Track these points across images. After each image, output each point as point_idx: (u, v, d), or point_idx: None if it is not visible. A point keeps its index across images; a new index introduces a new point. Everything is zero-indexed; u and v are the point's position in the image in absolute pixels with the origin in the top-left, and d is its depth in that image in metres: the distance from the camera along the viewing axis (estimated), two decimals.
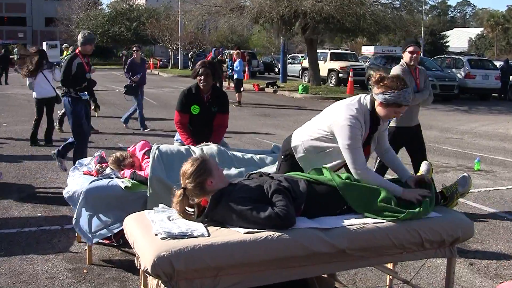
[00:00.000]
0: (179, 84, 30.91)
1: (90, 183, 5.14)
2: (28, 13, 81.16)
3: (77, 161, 6.13)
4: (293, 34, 30.10)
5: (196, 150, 5.54)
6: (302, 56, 41.75)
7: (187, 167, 3.72)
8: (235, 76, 21.26)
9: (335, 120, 4.20)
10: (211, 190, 3.67)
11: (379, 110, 4.17)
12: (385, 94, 4.07)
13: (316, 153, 4.44)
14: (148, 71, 44.36)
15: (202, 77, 6.24)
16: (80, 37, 8.41)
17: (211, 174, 3.69)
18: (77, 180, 5.40)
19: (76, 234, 5.77)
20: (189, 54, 45.64)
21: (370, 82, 4.13)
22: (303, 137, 4.54)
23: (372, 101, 4.21)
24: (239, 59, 21.39)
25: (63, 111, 12.25)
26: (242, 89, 21.46)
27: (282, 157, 4.76)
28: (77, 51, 8.58)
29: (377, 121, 4.25)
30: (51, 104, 11.65)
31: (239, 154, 5.65)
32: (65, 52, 24.36)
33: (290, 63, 42.01)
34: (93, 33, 62.28)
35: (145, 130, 13.76)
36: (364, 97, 4.27)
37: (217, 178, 3.73)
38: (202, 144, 5.87)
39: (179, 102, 6.42)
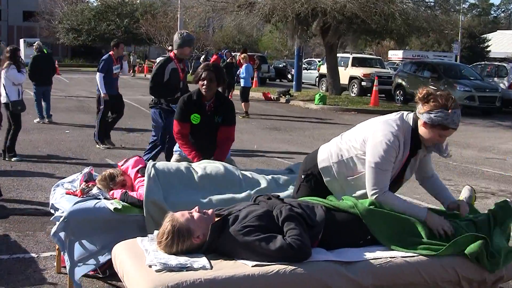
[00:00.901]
0: None
1: (74, 204, 5.15)
2: (3, 6, 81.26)
3: (60, 180, 6.14)
4: (310, 36, 30.18)
5: (198, 169, 5.55)
6: (319, 61, 41.87)
7: (163, 239, 3.74)
8: (242, 84, 21.30)
9: (370, 135, 4.22)
10: (203, 240, 3.69)
11: (422, 131, 4.18)
12: (431, 113, 4.07)
13: (350, 178, 4.45)
14: (128, 75, 44.41)
15: (205, 82, 6.28)
16: (176, 38, 8.34)
17: (192, 233, 3.72)
18: (59, 201, 5.41)
19: (55, 264, 5.78)
20: (190, 57, 45.89)
21: (415, 98, 4.13)
22: (332, 157, 4.53)
23: (416, 120, 4.21)
24: (246, 64, 21.43)
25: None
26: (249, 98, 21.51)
27: (303, 177, 4.75)
28: (171, 54, 8.48)
29: (418, 144, 4.26)
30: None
31: (247, 173, 5.65)
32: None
33: (306, 68, 42.11)
34: (78, 30, 62.15)
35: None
36: (407, 115, 4.29)
37: (201, 228, 3.74)
38: (204, 161, 5.88)
39: (178, 110, 6.47)
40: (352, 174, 4.40)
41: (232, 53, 27.76)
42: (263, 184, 5.51)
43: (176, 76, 8.43)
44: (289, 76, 46.62)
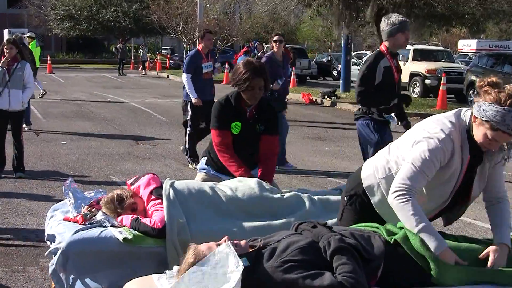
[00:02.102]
0: None
1: (74, 233, 5.18)
2: None
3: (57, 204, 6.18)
4: (361, 24, 30.10)
5: (226, 189, 5.56)
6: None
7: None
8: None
9: (419, 135, 4.24)
10: None
11: (474, 128, 4.18)
12: (482, 105, 4.07)
13: None
14: (140, 72, 44.30)
15: (255, 91, 6.28)
16: (384, 24, 7.90)
17: None
18: (56, 229, 5.44)
19: None
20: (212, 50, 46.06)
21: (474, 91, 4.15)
22: (379, 171, 4.53)
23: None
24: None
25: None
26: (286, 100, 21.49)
27: (346, 199, 4.78)
28: (382, 48, 8.13)
29: (478, 146, 4.23)
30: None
31: (287, 195, 5.65)
32: (31, 45, 24.59)
33: (356, 64, 41.99)
34: (77, 18, 62.66)
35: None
36: (465, 111, 4.28)
37: None
38: (234, 179, 5.90)
39: (215, 116, 6.48)
40: None
41: (264, 45, 27.77)
42: (306, 208, 5.51)
43: (391, 76, 8.04)
44: (335, 73, 46.54)
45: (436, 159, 4.16)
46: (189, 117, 12.94)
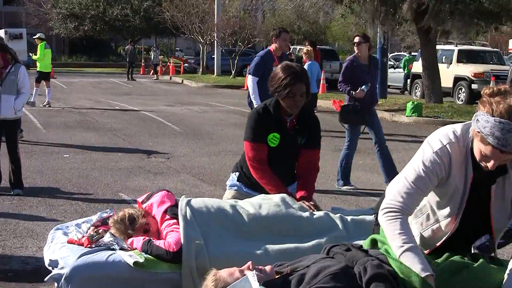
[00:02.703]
0: (216, 99, 31.19)
1: (79, 257, 5.19)
2: None
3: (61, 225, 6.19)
4: (399, 22, 30.07)
5: (249, 207, 5.55)
6: (409, 56, 41.60)
7: None
8: None
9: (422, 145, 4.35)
10: None
11: (474, 141, 4.19)
12: (477, 116, 4.06)
13: (416, 216, 4.52)
14: (152, 77, 44.33)
15: (297, 98, 6.23)
16: None
17: None
18: (58, 253, 5.45)
19: None
20: (232, 53, 46.06)
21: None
22: None
23: None
24: (310, 61, 21.30)
25: None
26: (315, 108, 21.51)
27: (375, 217, 4.81)
28: None
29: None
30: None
31: (318, 214, 5.64)
32: (38, 49, 24.92)
33: (393, 67, 41.98)
34: (80, 17, 63.05)
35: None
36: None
37: None
38: (258, 196, 5.89)
39: (251, 127, 6.44)
40: (418, 211, 4.49)
41: (290, 46, 27.73)
42: (339, 229, 5.51)
43: None
44: None
45: (432, 173, 4.20)
46: None
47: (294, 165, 6.51)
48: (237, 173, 6.70)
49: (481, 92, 4.13)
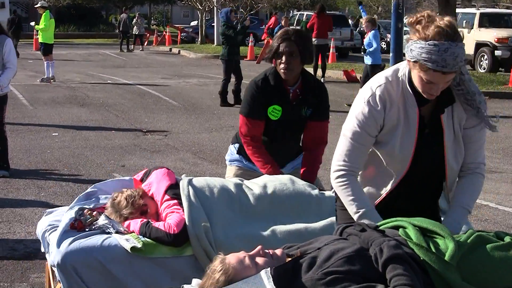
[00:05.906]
0: (215, 71, 31.11)
1: (71, 242, 5.20)
2: None
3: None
4: None
5: (255, 187, 5.55)
6: None
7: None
8: (369, 61, 20.89)
9: None
10: None
11: (412, 74, 4.35)
12: (410, 45, 4.23)
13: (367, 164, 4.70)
14: (139, 48, 43.95)
15: (283, 58, 6.22)
16: None
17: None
18: (49, 238, 5.45)
19: None
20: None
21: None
22: None
23: None
24: (373, 30, 21.11)
25: None
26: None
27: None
28: None
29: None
30: None
31: (329, 193, 5.64)
32: (42, 18, 24.43)
33: (409, 32, 41.79)
34: None
35: None
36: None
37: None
38: (262, 176, 5.89)
39: (247, 100, 6.44)
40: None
41: (296, 12, 27.71)
42: None
43: None
44: (383, 44, 46.39)
45: (367, 124, 4.39)
46: None
47: (299, 139, 6.52)
48: (237, 145, 6.69)
49: (405, 23, 4.36)
